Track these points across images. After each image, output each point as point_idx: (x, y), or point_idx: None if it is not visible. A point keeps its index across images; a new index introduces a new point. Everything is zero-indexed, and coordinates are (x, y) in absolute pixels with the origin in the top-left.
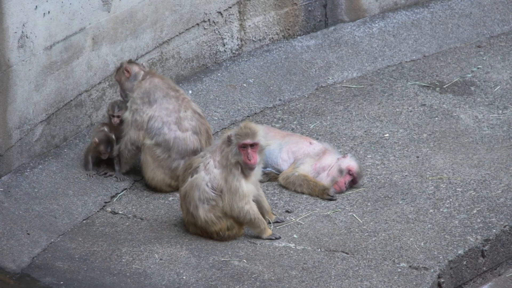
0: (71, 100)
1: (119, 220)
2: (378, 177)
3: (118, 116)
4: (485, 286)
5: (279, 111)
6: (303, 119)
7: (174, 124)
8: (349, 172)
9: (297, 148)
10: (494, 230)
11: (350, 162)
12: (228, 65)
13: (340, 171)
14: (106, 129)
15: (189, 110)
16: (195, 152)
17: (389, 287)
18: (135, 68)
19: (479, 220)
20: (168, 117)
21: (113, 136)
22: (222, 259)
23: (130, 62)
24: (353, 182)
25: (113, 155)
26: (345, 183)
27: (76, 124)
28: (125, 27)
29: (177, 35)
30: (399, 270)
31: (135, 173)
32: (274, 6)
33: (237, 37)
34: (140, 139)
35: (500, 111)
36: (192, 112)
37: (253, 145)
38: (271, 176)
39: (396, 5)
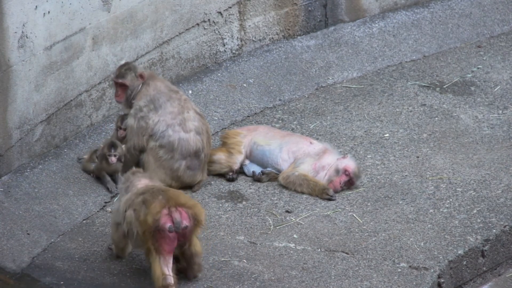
0: (71, 100)
1: None
2: (378, 177)
3: (124, 129)
4: (485, 286)
5: (279, 111)
6: (303, 119)
7: (178, 126)
8: (346, 172)
9: (297, 148)
10: (494, 230)
11: (347, 163)
12: (228, 65)
13: (337, 171)
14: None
15: (191, 110)
16: (197, 152)
17: (389, 287)
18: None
19: (479, 220)
20: (173, 119)
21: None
22: (222, 259)
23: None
24: (350, 183)
25: (121, 158)
26: (340, 183)
27: (76, 124)
28: (125, 27)
29: (177, 35)
30: (399, 270)
31: None
32: (274, 6)
33: (237, 37)
34: (144, 144)
35: (500, 111)
36: (194, 112)
37: None
38: (271, 176)
39: (396, 5)
